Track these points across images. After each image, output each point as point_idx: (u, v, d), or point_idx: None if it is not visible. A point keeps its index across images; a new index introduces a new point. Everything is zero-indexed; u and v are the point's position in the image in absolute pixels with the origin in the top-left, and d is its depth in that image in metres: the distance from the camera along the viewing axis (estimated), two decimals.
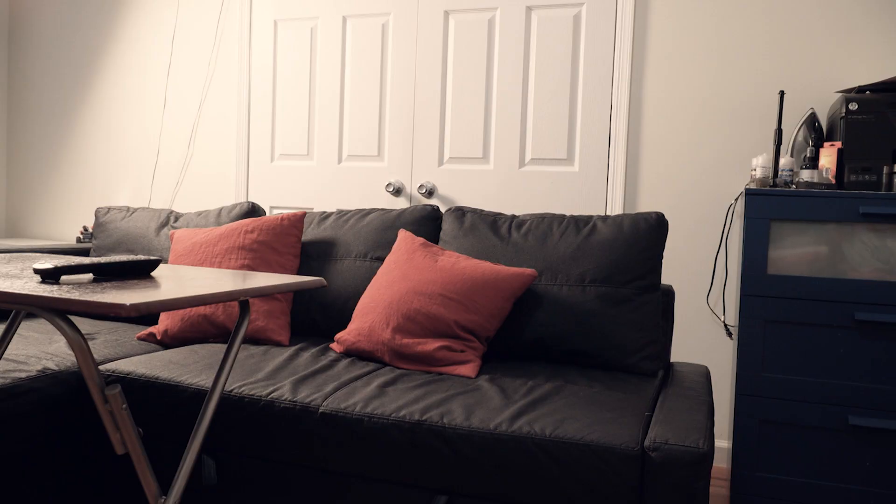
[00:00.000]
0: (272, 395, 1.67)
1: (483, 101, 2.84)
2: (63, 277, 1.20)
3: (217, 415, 1.70)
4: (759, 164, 2.22)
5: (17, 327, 1.61)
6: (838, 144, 2.09)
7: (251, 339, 2.18)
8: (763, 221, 2.05)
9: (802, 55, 2.44)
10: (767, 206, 2.05)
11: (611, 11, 2.66)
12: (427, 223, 2.28)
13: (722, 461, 2.58)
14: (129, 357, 2.05)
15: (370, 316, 1.98)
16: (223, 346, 2.12)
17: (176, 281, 1.24)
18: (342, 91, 3.06)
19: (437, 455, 1.50)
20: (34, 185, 3.68)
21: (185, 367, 1.85)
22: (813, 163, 2.19)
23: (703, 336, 2.59)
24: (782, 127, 2.41)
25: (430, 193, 2.91)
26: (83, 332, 2.11)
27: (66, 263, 1.20)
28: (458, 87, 2.88)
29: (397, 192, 2.95)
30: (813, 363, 2.02)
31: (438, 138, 2.91)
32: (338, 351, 2.05)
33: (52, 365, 1.85)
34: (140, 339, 2.24)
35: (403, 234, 2.15)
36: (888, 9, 2.36)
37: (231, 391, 1.70)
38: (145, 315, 0.99)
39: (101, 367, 1.90)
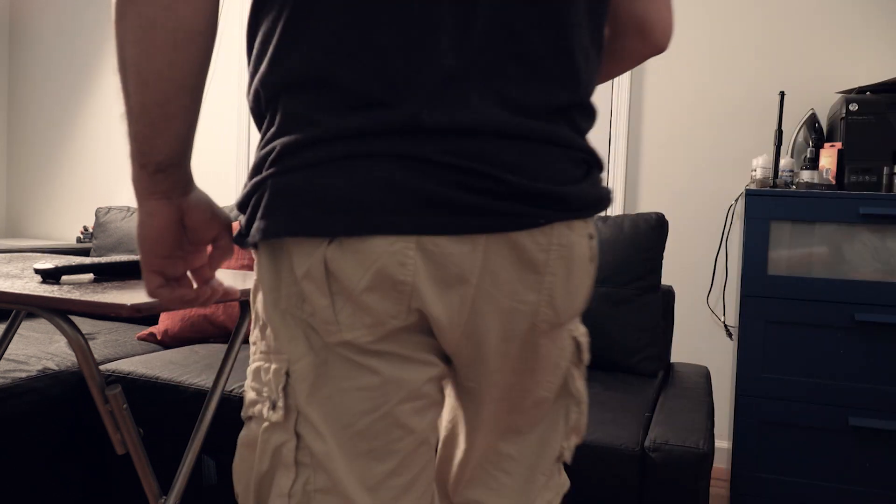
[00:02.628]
0: None
1: None
2: (64, 277, 1.20)
3: (217, 415, 1.70)
4: (760, 165, 2.22)
5: (18, 327, 1.61)
6: (838, 145, 2.09)
7: None
8: (763, 222, 2.05)
9: (802, 56, 2.44)
10: (768, 207, 2.05)
11: None
12: None
13: (722, 462, 2.58)
14: (130, 357, 2.05)
15: None
16: (223, 346, 2.12)
17: None
18: None
19: None
20: (34, 185, 3.68)
21: (186, 367, 1.85)
22: (813, 163, 2.19)
23: (703, 336, 2.59)
24: (782, 128, 2.41)
25: None
26: (83, 332, 2.11)
27: (66, 263, 1.20)
28: None
29: None
30: (813, 364, 2.02)
31: None
32: None
33: (52, 365, 1.85)
34: (140, 339, 2.24)
35: None
36: (888, 10, 2.36)
37: (231, 391, 1.70)
38: (145, 315, 0.99)
39: (101, 367, 1.90)
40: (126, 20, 0.60)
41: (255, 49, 0.66)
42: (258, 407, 0.69)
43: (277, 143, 0.62)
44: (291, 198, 0.61)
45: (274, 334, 0.67)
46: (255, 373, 0.70)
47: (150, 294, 0.69)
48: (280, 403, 0.66)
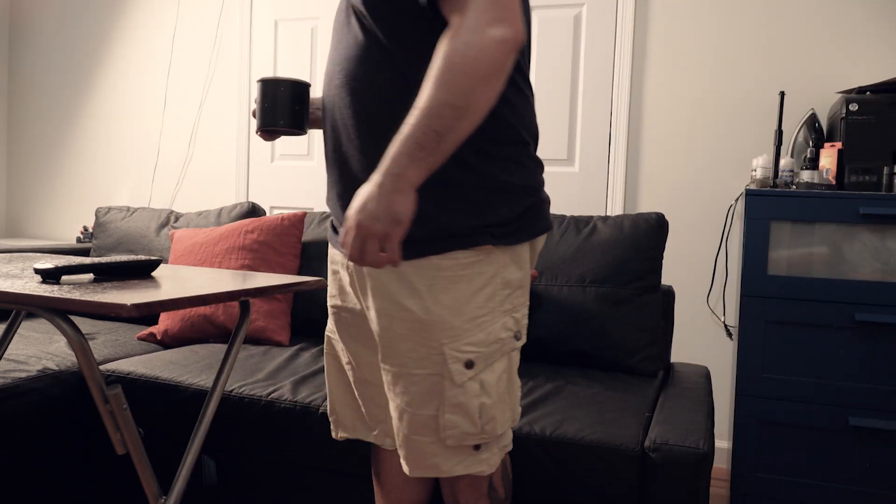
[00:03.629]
0: (272, 395, 1.67)
1: None
2: (64, 277, 1.20)
3: (217, 415, 1.70)
4: (760, 165, 2.22)
5: (18, 327, 1.61)
6: (838, 145, 2.09)
7: (251, 339, 2.18)
8: (763, 222, 2.05)
9: (802, 55, 2.44)
10: (768, 207, 2.05)
11: (611, 11, 2.66)
12: None
13: (722, 461, 2.58)
14: (130, 357, 2.05)
15: None
16: (223, 347, 2.12)
17: (176, 281, 1.24)
18: None
19: None
20: (34, 185, 3.68)
21: (186, 367, 1.86)
22: (813, 163, 2.19)
23: (703, 336, 2.59)
24: (783, 127, 2.41)
25: None
26: (83, 332, 2.11)
27: (66, 263, 1.20)
28: None
29: None
30: (813, 364, 2.02)
31: None
32: None
33: (52, 365, 1.85)
34: (140, 339, 2.24)
35: None
36: (888, 10, 2.36)
37: (231, 391, 1.70)
38: (145, 315, 0.99)
39: (101, 367, 1.90)
40: (491, 84, 0.97)
41: (508, 116, 1.10)
42: (508, 345, 1.12)
43: (537, 176, 1.13)
44: (547, 209, 1.17)
45: (523, 292, 1.14)
46: (502, 328, 1.11)
47: (397, 261, 1.00)
48: (523, 332, 1.15)
